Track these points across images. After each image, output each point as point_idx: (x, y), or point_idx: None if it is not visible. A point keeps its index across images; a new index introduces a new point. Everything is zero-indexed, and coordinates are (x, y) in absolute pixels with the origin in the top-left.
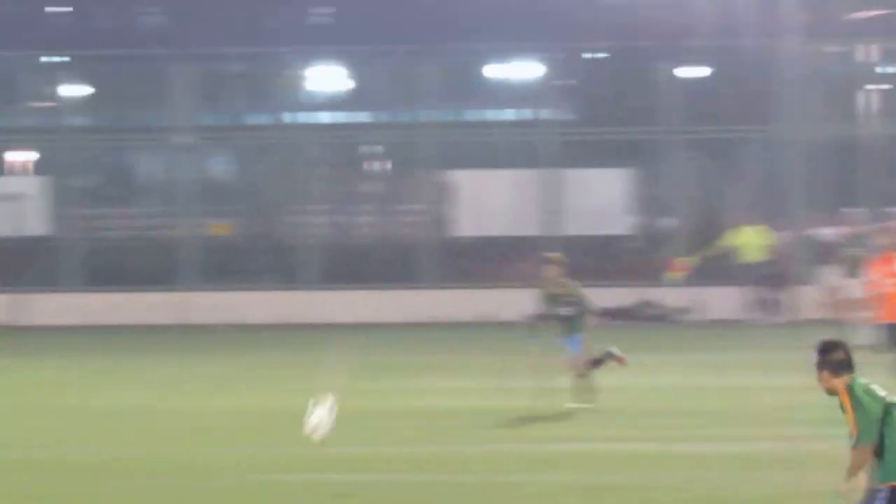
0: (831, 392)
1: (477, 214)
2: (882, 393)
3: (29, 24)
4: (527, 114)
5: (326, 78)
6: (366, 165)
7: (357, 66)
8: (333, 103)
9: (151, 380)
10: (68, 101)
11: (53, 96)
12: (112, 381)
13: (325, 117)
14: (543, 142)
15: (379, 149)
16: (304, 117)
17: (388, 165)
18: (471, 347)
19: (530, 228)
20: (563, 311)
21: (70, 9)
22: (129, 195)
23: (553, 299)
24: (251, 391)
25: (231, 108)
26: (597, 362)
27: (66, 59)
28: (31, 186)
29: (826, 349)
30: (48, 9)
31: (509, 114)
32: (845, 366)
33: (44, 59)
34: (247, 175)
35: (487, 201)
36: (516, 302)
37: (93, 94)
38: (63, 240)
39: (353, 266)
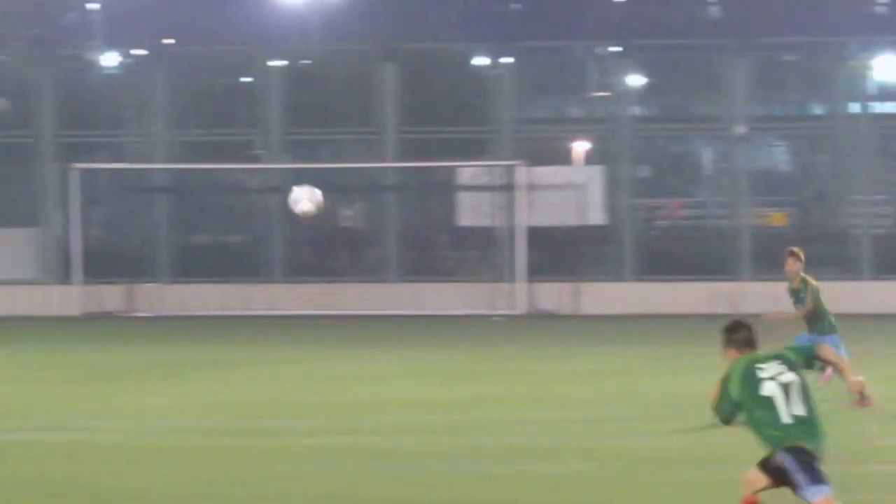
0: None
1: None
2: (768, 374)
3: (587, 14)
4: None
5: (886, 67)
6: None
7: None
8: (892, 93)
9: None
10: (625, 90)
11: (610, 86)
12: (673, 368)
13: (883, 107)
14: None
15: None
16: (861, 107)
17: None
18: None
19: None
20: (802, 307)
21: None
22: (683, 185)
23: (794, 294)
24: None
25: (788, 98)
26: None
27: (621, 49)
28: (589, 176)
29: (731, 329)
30: None
31: None
32: (747, 343)
33: (602, 49)
34: (802, 165)
35: None
36: None
37: (649, 84)
38: (618, 229)
39: None
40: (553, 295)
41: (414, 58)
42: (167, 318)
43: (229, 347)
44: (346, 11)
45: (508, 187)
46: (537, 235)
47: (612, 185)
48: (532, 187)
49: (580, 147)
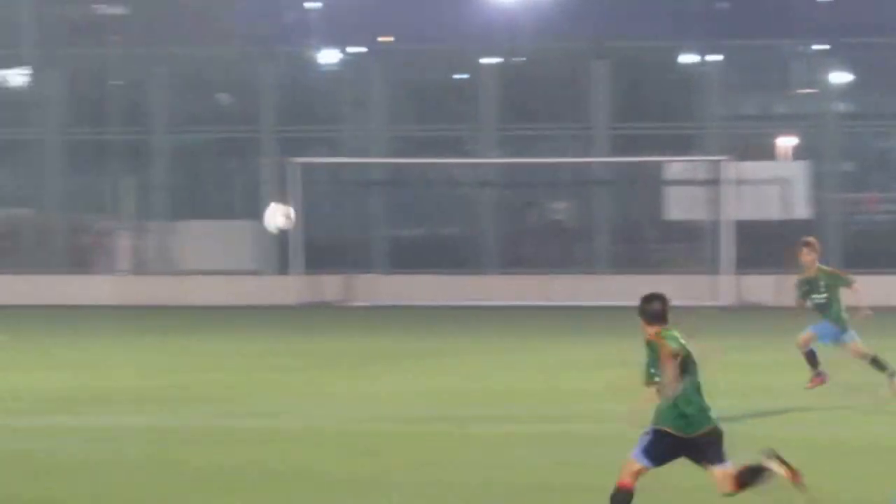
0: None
1: None
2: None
3: (794, 13)
4: None
5: None
6: None
7: None
8: None
9: None
10: (830, 87)
11: (816, 83)
12: None
13: None
14: None
15: None
16: None
17: None
18: None
19: None
20: (816, 297)
21: None
22: (887, 180)
23: (809, 284)
24: None
25: None
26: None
27: (828, 46)
28: (795, 171)
29: (645, 300)
30: None
31: None
32: (658, 317)
33: (808, 47)
34: None
35: None
36: None
37: (854, 81)
38: (822, 223)
39: None
40: (759, 287)
41: (624, 55)
42: (383, 307)
43: (441, 337)
44: (557, 10)
45: (715, 182)
46: (743, 229)
47: (817, 180)
48: (739, 182)
49: (786, 143)
